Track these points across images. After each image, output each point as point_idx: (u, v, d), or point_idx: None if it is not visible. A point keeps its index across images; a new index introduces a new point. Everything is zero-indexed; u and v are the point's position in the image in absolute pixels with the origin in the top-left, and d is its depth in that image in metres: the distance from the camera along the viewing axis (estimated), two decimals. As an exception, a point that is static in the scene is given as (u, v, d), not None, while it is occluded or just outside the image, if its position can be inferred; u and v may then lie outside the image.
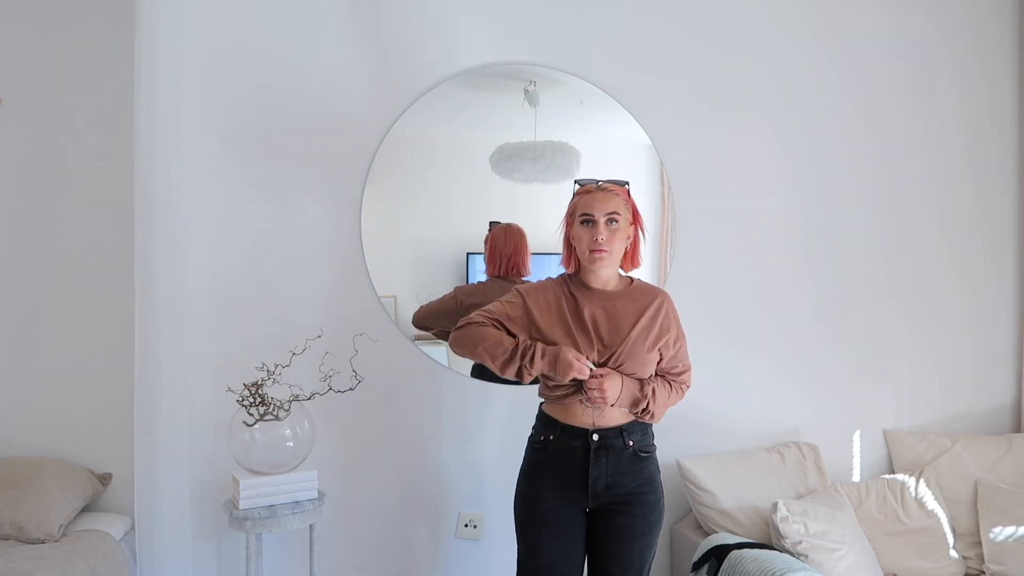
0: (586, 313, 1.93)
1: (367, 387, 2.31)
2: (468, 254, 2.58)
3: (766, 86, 2.79)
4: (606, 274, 1.97)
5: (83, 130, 2.46)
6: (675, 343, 2.01)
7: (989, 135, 3.06)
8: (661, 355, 1.99)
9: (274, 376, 2.17)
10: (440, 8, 2.51)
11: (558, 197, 2.62)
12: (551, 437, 1.95)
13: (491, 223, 2.54)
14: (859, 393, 2.94)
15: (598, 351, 1.91)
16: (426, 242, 2.56)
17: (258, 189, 2.41)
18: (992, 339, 3.09)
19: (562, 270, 2.04)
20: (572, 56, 2.60)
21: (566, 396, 1.93)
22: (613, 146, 2.70)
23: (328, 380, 2.27)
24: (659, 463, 2.02)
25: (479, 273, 2.57)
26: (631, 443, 1.93)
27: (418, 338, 2.53)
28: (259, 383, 2.13)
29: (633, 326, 1.92)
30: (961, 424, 3.05)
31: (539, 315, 1.95)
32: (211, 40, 2.36)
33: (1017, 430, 3.10)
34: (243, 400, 2.12)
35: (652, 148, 2.68)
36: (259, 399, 2.11)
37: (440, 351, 2.55)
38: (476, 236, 2.57)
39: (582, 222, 1.92)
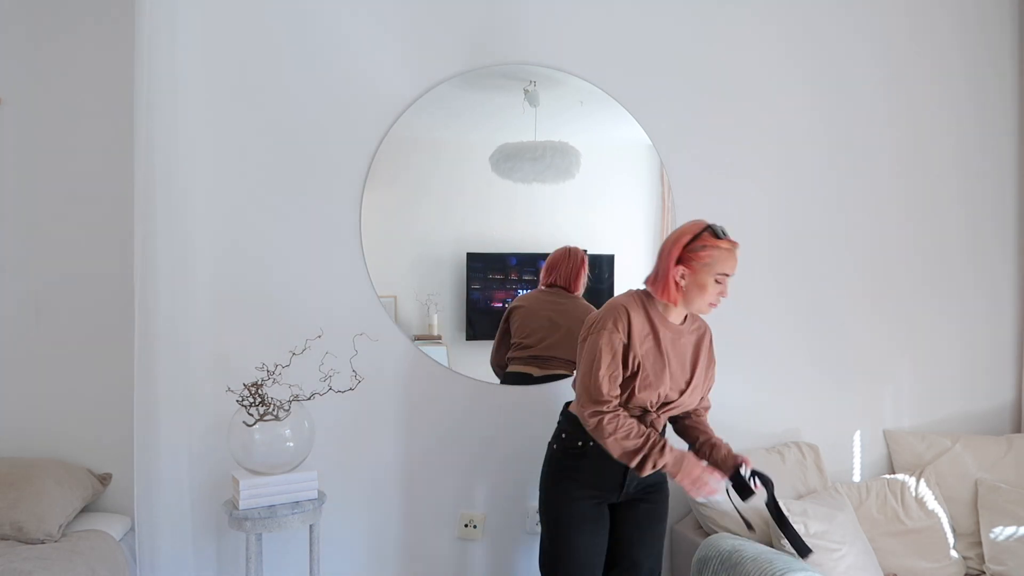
0: (667, 348, 1.99)
1: (367, 387, 2.32)
2: (468, 254, 2.58)
3: (767, 85, 2.79)
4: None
5: (83, 130, 2.46)
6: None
7: (986, 140, 3.06)
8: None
9: (274, 376, 2.17)
10: (440, 8, 2.51)
11: (557, 197, 2.63)
12: (590, 443, 2.00)
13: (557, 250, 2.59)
14: (859, 393, 2.93)
15: (674, 389, 2.00)
16: (426, 242, 2.56)
17: (258, 189, 2.42)
18: (992, 339, 3.09)
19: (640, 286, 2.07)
20: (572, 56, 2.60)
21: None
22: (613, 146, 2.70)
23: (328, 380, 2.27)
24: None
25: (478, 273, 2.57)
26: None
27: (418, 338, 2.53)
28: (259, 383, 2.13)
29: (696, 363, 2.05)
30: (961, 424, 3.04)
31: (637, 341, 1.95)
32: (211, 39, 2.36)
33: (1017, 430, 3.09)
34: (243, 400, 2.12)
35: (652, 148, 2.68)
36: (259, 399, 2.11)
37: (440, 351, 2.55)
38: (476, 236, 2.57)
39: (717, 280, 1.95)
